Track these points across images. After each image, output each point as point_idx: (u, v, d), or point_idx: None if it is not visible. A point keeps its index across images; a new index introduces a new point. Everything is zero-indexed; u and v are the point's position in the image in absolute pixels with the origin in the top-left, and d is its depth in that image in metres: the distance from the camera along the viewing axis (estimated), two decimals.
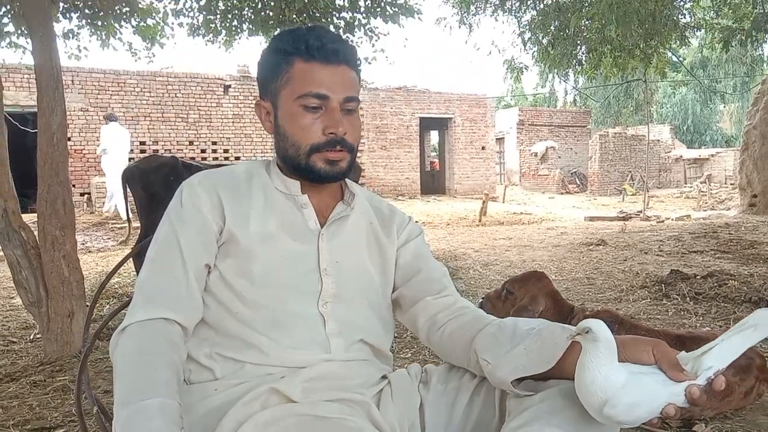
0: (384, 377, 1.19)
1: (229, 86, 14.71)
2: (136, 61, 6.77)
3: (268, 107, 1.20)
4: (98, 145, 11.13)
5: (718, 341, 0.90)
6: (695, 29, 8.92)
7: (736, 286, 4.13)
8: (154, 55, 6.77)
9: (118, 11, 5.69)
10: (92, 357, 2.96)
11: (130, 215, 6.36)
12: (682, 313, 3.70)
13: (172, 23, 6.48)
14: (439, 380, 1.17)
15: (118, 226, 9.73)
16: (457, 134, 18.83)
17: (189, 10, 6.35)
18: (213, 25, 6.35)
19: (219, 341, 1.10)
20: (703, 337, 2.18)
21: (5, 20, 5.19)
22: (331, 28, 6.03)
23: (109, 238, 8.74)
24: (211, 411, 1.03)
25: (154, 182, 4.31)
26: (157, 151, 13.38)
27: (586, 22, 7.60)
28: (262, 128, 1.44)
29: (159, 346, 1.01)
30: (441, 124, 19.35)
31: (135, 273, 4.92)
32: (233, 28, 6.39)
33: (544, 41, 8.28)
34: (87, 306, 3.10)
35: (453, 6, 8.75)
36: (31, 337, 3.46)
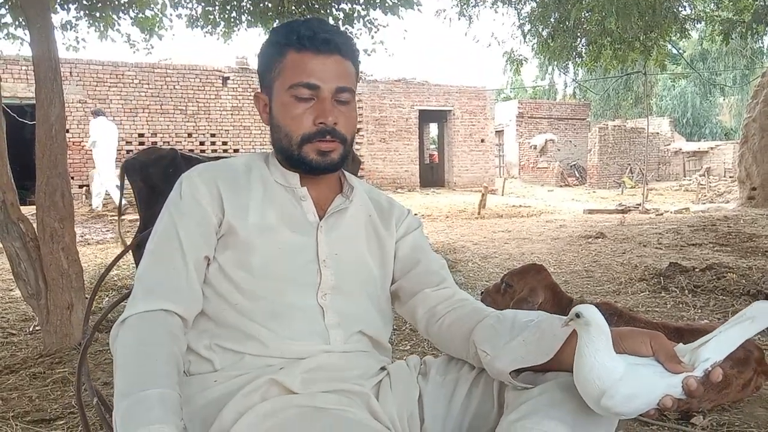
0: (383, 368, 1.19)
1: (228, 78, 14.68)
2: (134, 52, 6.78)
3: (265, 99, 1.20)
4: (88, 140, 11.24)
5: (715, 333, 0.90)
6: (695, 21, 8.88)
7: (734, 279, 4.14)
8: (152, 47, 6.74)
9: (117, 2, 5.67)
10: (92, 349, 2.96)
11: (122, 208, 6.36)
12: (681, 305, 3.71)
13: (171, 14, 6.45)
14: (438, 372, 1.17)
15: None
16: (456, 127, 18.81)
17: (187, 1, 6.32)
18: (211, 17, 6.32)
19: (218, 333, 1.11)
20: (702, 329, 2.19)
21: (3, 11, 5.17)
22: (330, 19, 6.01)
23: (108, 231, 8.73)
24: (210, 402, 1.04)
25: (154, 174, 4.30)
26: (156, 143, 13.37)
27: (586, 14, 7.57)
28: (261, 121, 1.43)
29: (159, 337, 1.01)
30: (440, 117, 19.32)
31: (134, 265, 4.91)
32: (232, 20, 6.36)
33: (544, 33, 8.25)
34: (86, 298, 3.10)
35: None
36: (31, 329, 3.46)
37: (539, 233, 7.69)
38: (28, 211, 3.26)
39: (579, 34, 8.15)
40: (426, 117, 19.33)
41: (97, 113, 10.99)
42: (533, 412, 0.93)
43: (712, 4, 9.39)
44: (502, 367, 1.02)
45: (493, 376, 1.07)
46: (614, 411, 0.87)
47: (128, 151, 12.81)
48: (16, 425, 2.20)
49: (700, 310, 3.59)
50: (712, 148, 23.02)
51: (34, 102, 3.03)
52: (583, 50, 8.47)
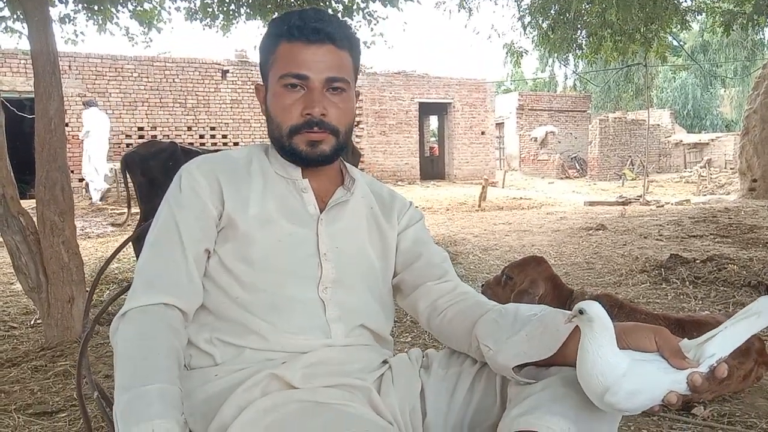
0: (385, 362, 1.18)
1: (227, 71, 14.64)
2: (133, 46, 6.71)
3: (263, 90, 1.20)
4: (81, 130, 11.32)
5: (721, 328, 0.89)
6: (696, 13, 8.85)
7: (735, 271, 4.14)
8: (151, 40, 6.70)
9: None
10: (93, 342, 2.97)
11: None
12: (682, 297, 3.72)
13: (169, 7, 6.42)
14: (440, 365, 1.17)
15: (117, 211, 9.73)
16: (456, 119, 18.76)
17: None
18: (210, 9, 6.30)
19: (219, 326, 1.10)
20: (703, 321, 2.19)
21: (1, 4, 5.14)
22: (330, 11, 5.98)
23: (108, 224, 8.73)
24: (211, 397, 1.03)
25: (153, 168, 4.31)
26: (156, 136, 13.34)
27: (587, 6, 7.54)
28: (261, 113, 1.43)
29: (159, 331, 1.00)
30: (440, 109, 19.26)
31: (135, 258, 4.92)
32: (231, 12, 6.33)
33: (544, 25, 8.21)
34: (87, 291, 3.11)
35: None
36: (32, 322, 3.47)
37: (540, 225, 7.69)
38: (28, 204, 3.26)
39: (579, 25, 8.12)
40: (426, 109, 19.28)
41: (88, 104, 11.06)
42: (536, 408, 0.92)
43: None
44: (505, 363, 1.01)
45: (495, 371, 1.07)
46: (618, 407, 0.87)
47: (128, 145, 12.79)
48: (18, 418, 2.20)
49: (701, 302, 3.59)
50: (712, 140, 22.99)
51: (33, 96, 3.02)
52: (584, 42, 8.43)
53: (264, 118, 1.21)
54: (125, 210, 8.12)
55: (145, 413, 0.86)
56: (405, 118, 17.71)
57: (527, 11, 8.36)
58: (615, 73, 24.53)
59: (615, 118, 22.85)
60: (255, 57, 13.55)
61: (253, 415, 0.96)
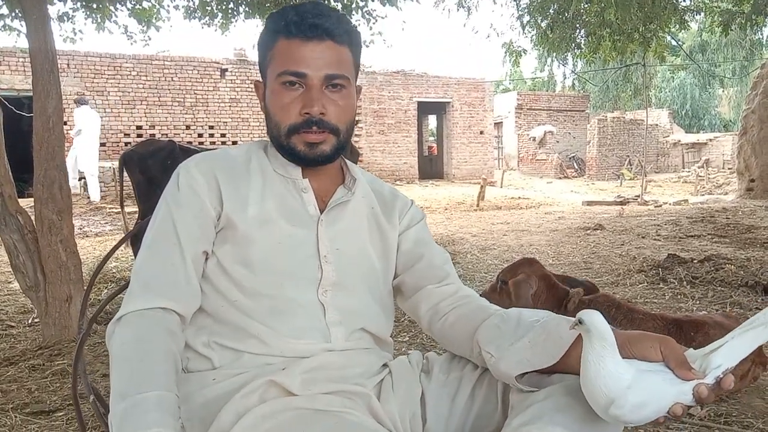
0: (385, 365, 1.16)
1: (226, 70, 14.63)
2: (131, 44, 6.71)
3: (262, 87, 1.18)
4: (72, 128, 11.24)
5: (727, 338, 0.87)
6: (695, 12, 8.84)
7: (732, 271, 4.15)
8: (149, 39, 6.71)
9: None
10: (91, 341, 2.97)
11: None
12: (679, 297, 3.72)
13: (168, 6, 6.41)
14: (441, 370, 1.15)
15: (116, 210, 9.71)
16: (455, 119, 18.77)
17: None
18: (209, 8, 6.29)
19: (217, 330, 1.09)
20: (700, 321, 2.19)
21: None
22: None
23: (106, 223, 8.72)
24: (209, 401, 1.02)
25: (152, 166, 4.31)
26: (154, 135, 13.33)
27: (585, 6, 7.53)
28: (259, 112, 1.41)
29: (156, 335, 0.99)
30: (439, 109, 19.27)
31: (132, 257, 4.92)
32: (230, 11, 6.32)
33: (543, 24, 8.21)
34: (85, 290, 3.10)
35: None
36: (30, 321, 3.46)
37: (538, 225, 7.69)
38: (26, 203, 3.25)
39: (578, 25, 8.12)
40: (425, 109, 19.28)
41: (80, 102, 11.02)
42: (538, 417, 0.91)
43: None
44: (507, 370, 1.00)
45: (497, 378, 1.05)
46: (623, 420, 0.85)
47: (126, 143, 12.78)
48: (15, 417, 2.20)
49: (698, 302, 3.59)
50: (710, 140, 22.99)
51: (31, 94, 3.02)
52: (582, 41, 8.43)
53: (263, 116, 1.18)
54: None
55: (142, 421, 0.85)
56: (404, 118, 17.72)
57: (526, 10, 8.36)
58: (613, 72, 24.50)
59: (613, 117, 22.86)
60: (254, 56, 13.55)
61: (252, 421, 0.95)
